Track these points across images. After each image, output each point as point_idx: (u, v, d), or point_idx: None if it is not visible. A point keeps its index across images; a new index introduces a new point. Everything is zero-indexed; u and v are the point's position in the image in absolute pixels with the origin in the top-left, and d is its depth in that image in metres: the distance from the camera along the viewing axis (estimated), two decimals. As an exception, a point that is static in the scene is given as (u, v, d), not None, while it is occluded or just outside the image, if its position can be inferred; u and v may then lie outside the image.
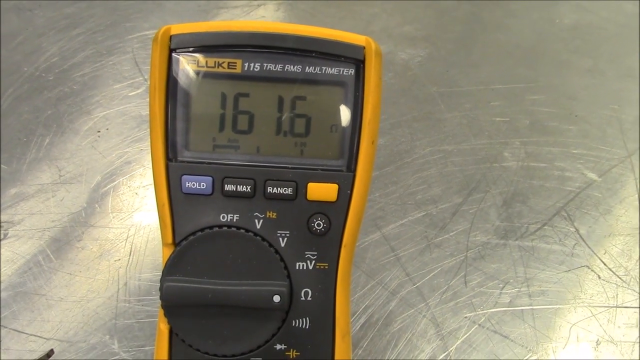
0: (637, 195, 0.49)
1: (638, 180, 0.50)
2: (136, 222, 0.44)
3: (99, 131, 0.51)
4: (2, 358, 0.35)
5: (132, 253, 0.42)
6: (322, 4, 0.70)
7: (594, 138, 0.54)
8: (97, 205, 0.45)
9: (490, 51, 0.66)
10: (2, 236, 0.42)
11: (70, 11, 0.65)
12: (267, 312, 0.28)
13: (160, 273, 0.40)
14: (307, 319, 0.29)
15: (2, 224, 0.43)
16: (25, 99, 0.54)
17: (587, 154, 0.52)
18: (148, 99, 0.52)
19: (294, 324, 0.29)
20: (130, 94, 0.56)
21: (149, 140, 0.50)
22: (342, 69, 0.29)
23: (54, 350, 0.35)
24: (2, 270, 0.40)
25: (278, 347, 0.29)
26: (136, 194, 0.46)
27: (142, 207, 0.45)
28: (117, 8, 0.67)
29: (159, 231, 0.42)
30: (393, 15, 0.70)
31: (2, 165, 0.48)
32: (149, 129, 0.50)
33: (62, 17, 0.64)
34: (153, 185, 0.45)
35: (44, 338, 0.37)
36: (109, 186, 0.47)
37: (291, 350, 0.29)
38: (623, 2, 0.76)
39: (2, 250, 0.41)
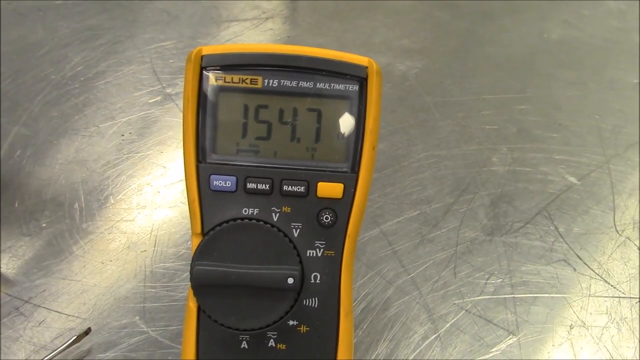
0: (612, 197, 0.54)
1: (613, 184, 0.55)
2: (160, 217, 0.49)
3: (122, 135, 0.56)
4: (46, 336, 0.40)
5: (156, 245, 0.46)
6: (327, 19, 0.75)
7: (575, 145, 0.59)
8: (123, 203, 0.50)
9: (482, 63, 0.71)
10: (40, 229, 0.47)
11: (92, 23, 0.70)
12: (282, 292, 0.32)
13: (182, 262, 0.45)
14: (316, 299, 0.34)
15: (39, 219, 0.47)
16: (54, 104, 0.59)
17: (568, 160, 0.57)
18: (164, 106, 0.57)
19: (304, 303, 0.34)
20: (149, 101, 0.60)
21: (169, 143, 0.55)
22: (347, 85, 0.33)
23: (91, 328, 0.40)
24: (41, 257, 0.45)
25: (291, 323, 0.34)
26: (158, 192, 0.51)
27: (164, 204, 0.50)
28: (136, 20, 0.71)
29: (180, 225, 0.47)
30: (392, 29, 0.74)
31: (35, 166, 0.52)
32: (168, 133, 0.56)
33: (85, 28, 0.69)
34: (173, 185, 0.50)
35: (82, 318, 0.41)
36: (133, 185, 0.51)
37: (302, 325, 0.34)
38: (607, 18, 0.81)
39: (41, 241, 0.46)
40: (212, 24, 0.74)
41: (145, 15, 0.73)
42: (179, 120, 0.58)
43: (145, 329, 0.41)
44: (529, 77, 0.68)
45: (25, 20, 0.70)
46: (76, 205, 0.49)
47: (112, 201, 0.50)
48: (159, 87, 0.62)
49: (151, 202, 0.50)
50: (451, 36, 0.75)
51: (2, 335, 0.40)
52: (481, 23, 0.77)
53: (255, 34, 0.72)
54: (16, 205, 0.49)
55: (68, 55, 0.65)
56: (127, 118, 0.58)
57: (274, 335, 0.34)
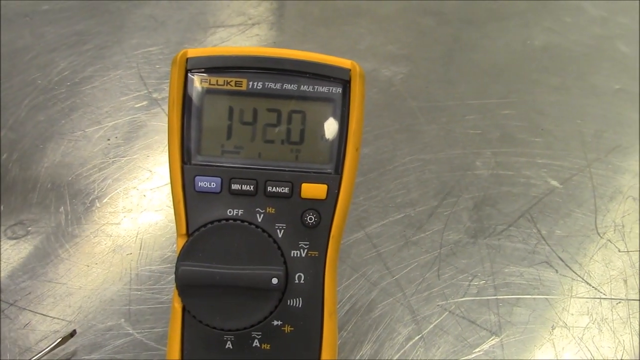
0: (593, 201, 0.54)
1: (595, 188, 0.56)
2: (145, 220, 0.49)
3: (108, 139, 0.56)
4: (30, 338, 0.40)
5: (141, 248, 0.47)
6: (313, 25, 0.76)
7: (557, 149, 0.60)
8: (109, 206, 0.50)
9: (466, 69, 0.71)
10: (25, 232, 0.47)
11: (79, 28, 0.70)
12: (267, 292, 0.33)
13: (168, 265, 0.45)
14: (300, 299, 0.34)
15: (24, 222, 0.47)
16: (41, 109, 0.59)
17: (550, 164, 0.58)
18: (150, 110, 0.57)
19: (289, 303, 0.34)
20: (136, 106, 0.61)
21: (155, 147, 0.55)
22: (331, 88, 0.34)
23: (77, 330, 0.40)
24: (27, 260, 0.45)
25: (275, 323, 0.34)
26: (144, 195, 0.51)
27: (150, 208, 0.50)
28: (123, 26, 0.72)
29: (166, 229, 0.48)
30: (377, 36, 0.75)
31: (21, 170, 0.52)
32: (154, 138, 0.56)
33: (72, 33, 0.69)
34: (159, 188, 0.50)
35: (67, 320, 0.41)
36: (119, 189, 0.52)
37: (286, 325, 0.34)
38: (589, 25, 0.82)
39: (26, 244, 0.46)
40: (199, 29, 0.74)
41: (132, 21, 0.73)
42: (165, 124, 0.58)
43: (131, 331, 0.41)
44: (512, 83, 0.69)
45: (12, 26, 0.70)
46: (62, 209, 0.49)
47: (97, 205, 0.50)
48: (145, 92, 0.62)
49: (137, 205, 0.50)
50: (436, 42, 0.76)
51: (-14, 338, 0.40)
52: (466, 30, 0.79)
53: (241, 40, 0.72)
54: (1, 208, 0.49)
55: (55, 60, 0.65)
56: (114, 122, 0.58)
57: (258, 335, 0.34)
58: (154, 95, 0.62)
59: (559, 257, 0.49)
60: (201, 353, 0.34)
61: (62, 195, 0.50)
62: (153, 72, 0.65)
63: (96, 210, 0.49)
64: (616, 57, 0.75)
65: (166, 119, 0.50)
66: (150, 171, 0.53)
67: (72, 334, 0.40)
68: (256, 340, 0.34)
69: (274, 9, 0.80)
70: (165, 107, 0.59)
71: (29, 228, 0.47)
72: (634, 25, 0.82)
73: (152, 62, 0.67)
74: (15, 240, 0.46)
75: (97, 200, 0.50)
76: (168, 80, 0.57)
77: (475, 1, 0.85)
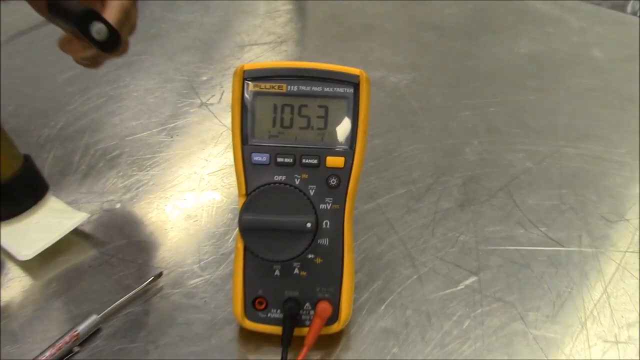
0: (560, 177, 0.67)
1: (562, 168, 0.69)
2: (205, 197, 0.63)
3: (172, 137, 0.71)
4: (130, 278, 0.54)
5: (204, 216, 0.61)
6: (331, 41, 0.90)
7: (533, 138, 0.73)
8: (178, 187, 0.64)
9: (461, 75, 0.85)
10: (117, 205, 0.61)
11: (138, 49, 0.85)
12: (303, 234, 0.44)
13: (224, 228, 0.59)
14: (327, 239, 0.47)
15: (113, 200, 0.62)
16: (115, 115, 0.74)
17: (527, 149, 0.71)
18: (201, 113, 0.71)
19: (319, 242, 0.46)
20: (190, 110, 0.75)
21: (208, 142, 0.69)
22: (345, 89, 0.45)
23: (162, 272, 0.54)
24: (122, 226, 0.59)
25: (309, 256, 0.47)
26: (203, 178, 0.65)
27: (207, 188, 0.64)
28: (174, 47, 0.87)
29: (220, 202, 0.62)
30: (386, 48, 0.89)
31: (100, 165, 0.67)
32: (207, 134, 0.70)
33: (133, 53, 0.84)
34: (214, 173, 0.64)
35: (155, 267, 0.56)
36: (184, 174, 0.66)
37: (317, 257, 0.47)
38: (570, 35, 0.95)
39: (120, 214, 0.61)
40: (236, 47, 0.89)
41: (181, 43, 0.88)
42: (214, 124, 0.73)
43: (201, 273, 0.55)
44: (499, 86, 0.83)
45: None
46: (141, 189, 0.64)
47: (169, 186, 0.64)
48: (197, 99, 0.77)
49: (198, 185, 0.64)
50: (436, 53, 0.89)
51: (94, 280, 0.54)
52: (461, 41, 0.92)
53: (272, 55, 0.87)
54: (101, 189, 0.64)
55: (121, 76, 0.81)
56: (174, 124, 0.73)
57: (297, 265, 0.47)
58: (204, 101, 0.76)
59: (528, 219, 0.62)
60: (257, 278, 0.48)
61: (141, 177, 0.65)
62: (202, 83, 0.80)
63: (169, 189, 0.64)
64: (590, 62, 0.88)
65: (215, 119, 0.66)
66: (206, 160, 0.67)
67: (160, 274, 0.54)
68: (296, 269, 0.47)
69: (299, 28, 0.94)
70: (214, 110, 0.74)
71: (117, 205, 0.62)
72: (609, 34, 0.95)
73: (200, 75, 0.82)
74: (110, 211, 0.61)
75: (168, 182, 0.65)
76: (214, 89, 0.73)
77: (470, 17, 0.99)
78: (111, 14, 0.53)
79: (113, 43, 0.52)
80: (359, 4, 1.03)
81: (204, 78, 0.81)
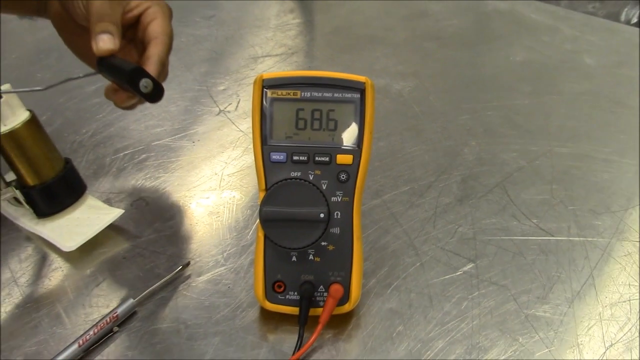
0: (551, 175, 0.73)
1: (553, 166, 0.74)
2: (225, 195, 0.69)
3: (193, 142, 0.77)
4: (161, 268, 0.60)
5: (226, 212, 0.67)
6: (339, 52, 0.96)
7: (527, 139, 0.78)
8: (201, 186, 0.71)
9: (460, 82, 0.90)
10: (146, 204, 0.68)
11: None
12: (317, 223, 0.50)
13: (243, 223, 0.65)
14: (338, 228, 0.52)
15: (144, 198, 0.68)
16: (141, 122, 0.80)
17: (521, 149, 0.76)
18: (220, 120, 0.77)
19: (331, 231, 0.52)
20: (209, 117, 0.81)
21: (227, 146, 0.75)
22: (353, 94, 0.50)
23: (190, 262, 0.60)
24: (150, 221, 0.65)
25: (323, 243, 0.52)
26: (223, 179, 0.71)
27: (227, 187, 0.70)
28: (192, 58, 0.93)
29: (240, 201, 0.68)
30: (390, 58, 0.95)
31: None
32: (226, 139, 0.76)
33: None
34: (233, 174, 0.70)
35: (183, 257, 0.62)
36: (205, 175, 0.72)
37: (330, 245, 0.52)
38: (563, 43, 1.01)
39: (147, 213, 0.67)
40: (250, 59, 0.95)
41: (198, 55, 0.95)
42: (232, 129, 0.79)
43: (224, 262, 0.61)
44: (496, 91, 0.88)
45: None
46: (167, 188, 0.70)
47: (193, 185, 0.70)
48: (215, 107, 0.83)
49: (219, 185, 0.70)
50: (436, 62, 0.95)
51: (128, 269, 0.60)
52: (460, 50, 0.98)
53: (284, 66, 0.93)
54: (126, 190, 0.70)
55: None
56: (195, 130, 0.79)
57: (312, 251, 0.53)
58: (222, 109, 0.83)
59: (522, 213, 0.67)
60: (276, 264, 0.54)
61: (167, 178, 0.71)
62: (219, 92, 0.86)
63: (193, 189, 0.70)
64: (581, 68, 0.94)
65: (232, 125, 0.72)
66: (226, 162, 0.74)
67: (187, 264, 0.60)
68: (311, 255, 0.53)
69: (308, 40, 1.01)
70: (231, 117, 0.80)
71: (147, 203, 0.68)
72: (600, 41, 1.01)
73: (217, 85, 0.88)
74: (140, 209, 0.67)
75: (191, 183, 0.71)
76: (231, 98, 0.79)
77: (468, 27, 1.05)
78: (152, 68, 0.59)
79: (157, 94, 0.58)
80: (364, 17, 1.09)
81: (221, 87, 0.87)
